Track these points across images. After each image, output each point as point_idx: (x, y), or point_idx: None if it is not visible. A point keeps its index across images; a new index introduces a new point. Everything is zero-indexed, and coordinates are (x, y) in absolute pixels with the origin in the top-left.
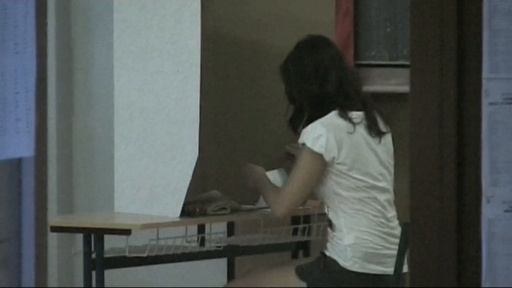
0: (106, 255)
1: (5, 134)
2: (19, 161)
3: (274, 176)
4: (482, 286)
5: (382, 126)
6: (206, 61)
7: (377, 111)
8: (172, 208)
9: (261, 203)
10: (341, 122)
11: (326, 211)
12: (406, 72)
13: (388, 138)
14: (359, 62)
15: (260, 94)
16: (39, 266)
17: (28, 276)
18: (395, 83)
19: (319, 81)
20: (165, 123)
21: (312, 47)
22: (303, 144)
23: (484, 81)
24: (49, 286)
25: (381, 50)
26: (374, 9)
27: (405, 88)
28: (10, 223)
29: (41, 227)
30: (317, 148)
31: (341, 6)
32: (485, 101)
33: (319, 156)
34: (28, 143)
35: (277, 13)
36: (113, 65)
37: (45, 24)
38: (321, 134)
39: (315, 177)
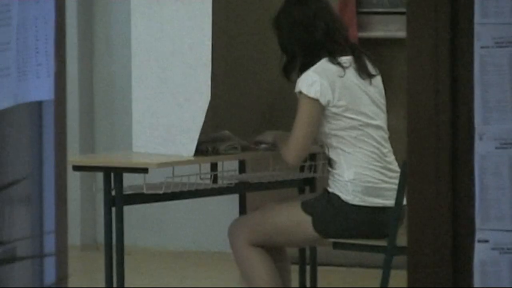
0: (125, 192)
1: (26, 79)
2: (40, 104)
3: None
4: (475, 218)
5: (371, 69)
6: (217, 9)
7: (365, 55)
8: (187, 147)
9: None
10: (332, 67)
11: (326, 151)
12: (404, 18)
13: (378, 80)
14: (361, 10)
15: (266, 45)
16: (59, 203)
17: (50, 212)
18: (395, 28)
19: (308, 30)
20: (179, 67)
21: (300, 0)
22: (300, 92)
23: (476, 26)
24: (71, 223)
25: None
26: None
27: (403, 34)
28: (32, 162)
29: (61, 166)
30: (312, 94)
31: None
32: (477, 44)
33: (316, 101)
34: (48, 87)
35: None
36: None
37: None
38: (315, 81)
39: (315, 121)
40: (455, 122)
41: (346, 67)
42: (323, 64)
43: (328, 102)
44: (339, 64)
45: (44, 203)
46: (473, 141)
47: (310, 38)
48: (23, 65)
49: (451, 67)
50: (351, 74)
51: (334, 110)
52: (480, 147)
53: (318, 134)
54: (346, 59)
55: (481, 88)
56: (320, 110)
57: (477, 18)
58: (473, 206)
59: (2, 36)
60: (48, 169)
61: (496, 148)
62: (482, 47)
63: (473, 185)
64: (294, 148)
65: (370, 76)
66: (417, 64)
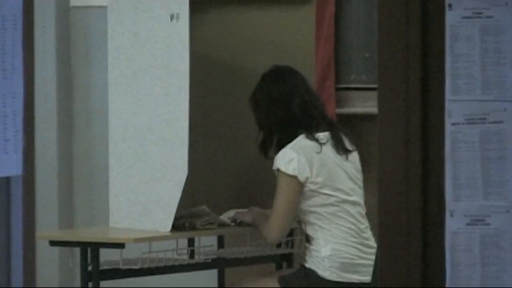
0: (101, 267)
1: None
2: (8, 180)
3: None
4: None
5: (348, 145)
6: (194, 83)
7: (342, 131)
8: (164, 222)
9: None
10: (309, 143)
11: (303, 227)
12: None
13: (354, 156)
14: (339, 85)
15: (244, 115)
16: (27, 280)
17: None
18: (373, 104)
19: (284, 106)
20: (156, 143)
21: (276, 76)
22: (278, 170)
23: (447, 103)
24: None
25: (360, 74)
26: (353, 36)
27: None
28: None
29: (30, 242)
30: (290, 171)
31: (322, 32)
32: (448, 121)
33: (294, 178)
34: (17, 163)
35: (260, 39)
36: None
37: (33, 51)
38: (292, 158)
39: (295, 198)
40: (426, 199)
41: (323, 143)
42: (301, 140)
43: (306, 179)
44: (316, 140)
45: (13, 281)
46: (444, 218)
47: (287, 114)
48: None
49: (423, 143)
50: (328, 150)
51: (311, 186)
52: (451, 224)
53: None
54: (323, 135)
55: (452, 164)
56: (299, 187)
57: (448, 95)
58: (444, 283)
59: None
60: (17, 246)
61: (467, 224)
62: (453, 124)
63: (444, 261)
64: (276, 226)
65: (346, 152)
66: (388, 141)
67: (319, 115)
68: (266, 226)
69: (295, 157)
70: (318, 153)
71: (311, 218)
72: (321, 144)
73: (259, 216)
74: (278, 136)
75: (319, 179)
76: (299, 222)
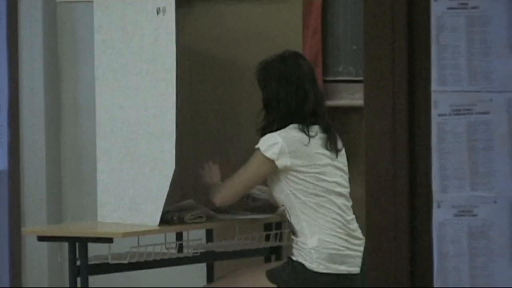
0: (90, 262)
1: None
2: None
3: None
4: (434, 285)
5: (339, 144)
6: (182, 76)
7: (335, 130)
8: (152, 216)
9: (239, 214)
10: (297, 134)
11: (288, 217)
12: None
13: (343, 154)
14: (327, 78)
15: (232, 108)
16: (14, 275)
17: (5, 283)
18: (361, 97)
19: (298, 94)
20: (144, 136)
21: (295, 60)
22: (258, 149)
23: (433, 94)
24: None
25: (348, 66)
26: (341, 28)
27: None
28: None
29: (16, 237)
30: (268, 154)
31: (310, 24)
32: (434, 112)
33: (269, 161)
34: (2, 157)
35: (248, 31)
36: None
37: (17, 45)
38: (276, 143)
39: (259, 178)
40: (414, 190)
41: (312, 136)
42: (290, 130)
43: (285, 167)
44: (304, 132)
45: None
46: (432, 209)
47: (291, 100)
48: None
49: (409, 135)
50: (317, 144)
51: (295, 174)
52: (439, 215)
53: (280, 200)
54: (315, 129)
55: (439, 155)
56: (269, 171)
57: (434, 86)
58: (432, 273)
59: None
60: (3, 241)
61: (455, 215)
62: (439, 115)
63: (432, 252)
64: (229, 193)
65: (337, 150)
66: (375, 132)
67: (321, 110)
68: (218, 187)
69: (279, 143)
70: (305, 145)
71: (296, 206)
72: (310, 136)
73: (215, 180)
74: (280, 122)
75: (304, 169)
76: (285, 213)
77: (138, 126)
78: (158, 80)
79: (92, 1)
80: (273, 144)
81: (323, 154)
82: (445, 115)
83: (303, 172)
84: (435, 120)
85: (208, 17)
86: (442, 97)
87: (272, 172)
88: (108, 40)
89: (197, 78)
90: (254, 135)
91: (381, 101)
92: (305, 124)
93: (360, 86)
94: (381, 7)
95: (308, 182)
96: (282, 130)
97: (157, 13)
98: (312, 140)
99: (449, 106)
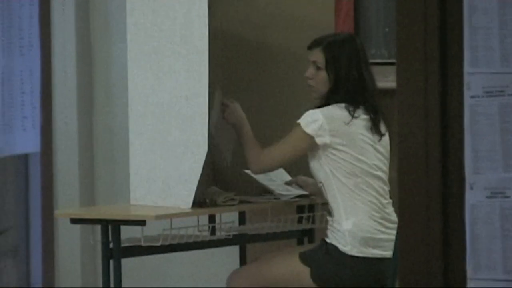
0: (122, 245)
1: (12, 132)
2: (26, 156)
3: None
4: (466, 267)
5: (383, 128)
6: (214, 58)
7: (381, 113)
8: (184, 199)
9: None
10: (341, 112)
11: (325, 195)
12: None
13: (386, 139)
14: None
15: (265, 90)
16: (46, 256)
17: (37, 265)
18: (393, 79)
19: (359, 72)
20: (176, 119)
21: (359, 45)
22: (298, 124)
23: (465, 75)
24: (72, 274)
25: (380, 48)
26: (373, 10)
27: None
28: (19, 214)
29: (48, 218)
30: (308, 130)
31: (342, 7)
32: (466, 94)
33: (309, 137)
34: (34, 140)
35: (279, 14)
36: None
37: (49, 26)
38: (317, 120)
39: (296, 153)
40: (446, 172)
41: (356, 117)
42: (333, 107)
43: (325, 145)
44: (349, 111)
45: (32, 256)
46: (464, 191)
47: (353, 83)
48: (9, 118)
49: (442, 116)
50: (360, 124)
51: (334, 152)
52: (471, 197)
53: (319, 177)
54: (360, 109)
55: (471, 137)
56: (307, 146)
57: (466, 67)
58: (464, 256)
59: None
60: (36, 222)
61: (487, 197)
62: (472, 97)
63: (464, 234)
64: (265, 160)
65: (381, 134)
66: (407, 114)
67: (371, 94)
68: (257, 156)
69: (320, 120)
70: (346, 124)
71: (333, 185)
72: (353, 117)
73: (250, 136)
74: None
75: (342, 148)
76: (321, 191)
77: (171, 108)
78: (191, 63)
79: None
80: (314, 121)
81: (365, 136)
82: (477, 96)
83: (342, 151)
84: (467, 102)
85: (240, 0)
86: (475, 79)
87: (312, 149)
88: (140, 23)
89: (229, 60)
90: (286, 117)
91: (413, 83)
92: (351, 103)
93: (393, 69)
94: None
95: (347, 161)
96: (325, 108)
97: None
98: (355, 120)
99: (482, 88)
